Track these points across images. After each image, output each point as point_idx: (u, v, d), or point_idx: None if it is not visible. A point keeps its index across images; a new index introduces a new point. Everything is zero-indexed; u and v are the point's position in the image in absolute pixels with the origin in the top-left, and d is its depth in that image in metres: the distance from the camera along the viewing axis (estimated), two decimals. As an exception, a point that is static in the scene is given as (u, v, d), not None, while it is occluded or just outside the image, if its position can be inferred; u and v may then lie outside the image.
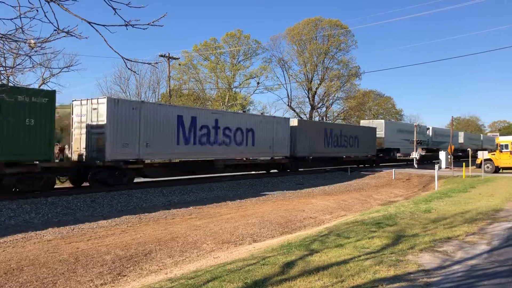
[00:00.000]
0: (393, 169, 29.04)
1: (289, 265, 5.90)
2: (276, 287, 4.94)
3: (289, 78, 56.97)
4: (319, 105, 57.49)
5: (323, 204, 16.08)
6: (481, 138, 66.08)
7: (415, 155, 37.22)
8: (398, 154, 40.42)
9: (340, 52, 56.29)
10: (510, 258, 6.26)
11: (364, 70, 71.66)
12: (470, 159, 28.46)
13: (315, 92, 57.01)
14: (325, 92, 57.67)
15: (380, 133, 37.14)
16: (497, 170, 29.11)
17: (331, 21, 54.47)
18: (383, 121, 40.36)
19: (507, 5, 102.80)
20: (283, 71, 57.42)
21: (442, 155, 36.86)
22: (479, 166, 29.22)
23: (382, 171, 31.11)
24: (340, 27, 54.72)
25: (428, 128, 47.54)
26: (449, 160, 34.70)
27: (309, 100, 56.65)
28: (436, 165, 23.46)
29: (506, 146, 28.78)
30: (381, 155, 38.38)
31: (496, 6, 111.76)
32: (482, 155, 28.64)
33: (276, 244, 7.86)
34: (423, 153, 44.62)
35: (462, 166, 26.71)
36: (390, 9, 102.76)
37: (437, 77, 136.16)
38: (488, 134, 78.42)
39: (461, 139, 54.05)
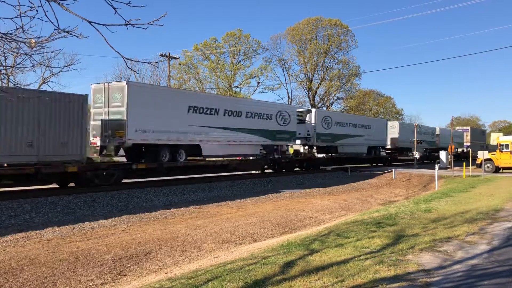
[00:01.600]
0: (394, 169, 29.04)
1: (289, 264, 5.90)
2: (276, 287, 4.94)
3: (289, 77, 57.05)
4: (319, 105, 57.49)
5: (323, 204, 16.07)
6: (437, 131, 46.78)
7: (415, 154, 37.12)
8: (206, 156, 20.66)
9: (340, 51, 56.39)
10: (510, 258, 6.26)
11: (365, 69, 71.56)
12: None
13: (316, 91, 57.03)
14: (325, 92, 57.70)
15: (120, 110, 16.75)
16: (497, 170, 29.10)
17: (331, 20, 54.48)
18: (124, 83, 17.41)
19: (508, 5, 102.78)
20: (283, 71, 57.50)
21: (442, 154, 36.67)
22: (479, 166, 29.21)
23: (383, 172, 31.09)
24: (341, 26, 54.73)
25: (309, 112, 28.96)
26: (449, 160, 34.66)
27: (309, 100, 56.67)
28: (436, 165, 23.46)
29: (507, 146, 28.78)
30: (144, 158, 18.16)
31: (496, 5, 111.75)
32: (482, 155, 28.63)
33: (276, 244, 7.86)
34: (287, 155, 27.43)
35: (463, 167, 26.72)
36: (390, 9, 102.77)
37: (437, 77, 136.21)
38: (457, 128, 58.53)
39: (394, 133, 37.85)
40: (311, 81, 56.38)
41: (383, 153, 39.08)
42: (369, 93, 67.17)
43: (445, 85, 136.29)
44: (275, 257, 6.44)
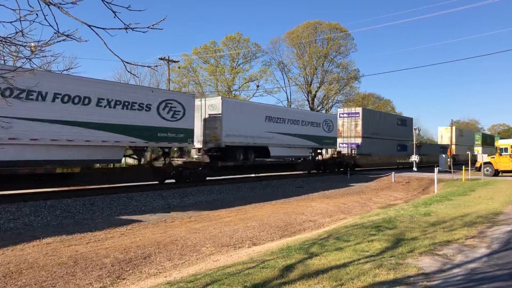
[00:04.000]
0: (393, 172, 29.03)
1: (289, 268, 5.89)
2: (276, 291, 4.93)
3: (288, 81, 57.19)
4: (318, 108, 57.56)
5: (322, 207, 16.05)
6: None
7: (414, 158, 37.10)
8: None
9: (339, 55, 56.56)
10: (509, 261, 6.26)
11: (364, 73, 71.81)
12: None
13: (315, 95, 57.15)
14: (324, 95, 57.80)
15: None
16: (496, 173, 29.13)
17: (330, 24, 54.69)
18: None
19: (506, 8, 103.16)
20: (282, 74, 57.70)
21: (441, 158, 36.61)
22: (479, 169, 29.23)
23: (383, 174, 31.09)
24: (340, 30, 54.89)
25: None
26: (448, 164, 34.62)
27: (309, 103, 56.75)
28: (436, 168, 23.47)
29: (506, 150, 28.82)
30: None
31: (495, 9, 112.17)
32: (481, 158, 28.65)
33: (276, 247, 7.85)
34: None
35: (462, 170, 26.73)
36: (389, 13, 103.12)
37: (437, 80, 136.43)
38: (340, 111, 33.87)
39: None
40: (310, 84, 56.49)
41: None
42: (368, 96, 67.29)
43: (444, 88, 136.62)
44: (274, 261, 6.42)
